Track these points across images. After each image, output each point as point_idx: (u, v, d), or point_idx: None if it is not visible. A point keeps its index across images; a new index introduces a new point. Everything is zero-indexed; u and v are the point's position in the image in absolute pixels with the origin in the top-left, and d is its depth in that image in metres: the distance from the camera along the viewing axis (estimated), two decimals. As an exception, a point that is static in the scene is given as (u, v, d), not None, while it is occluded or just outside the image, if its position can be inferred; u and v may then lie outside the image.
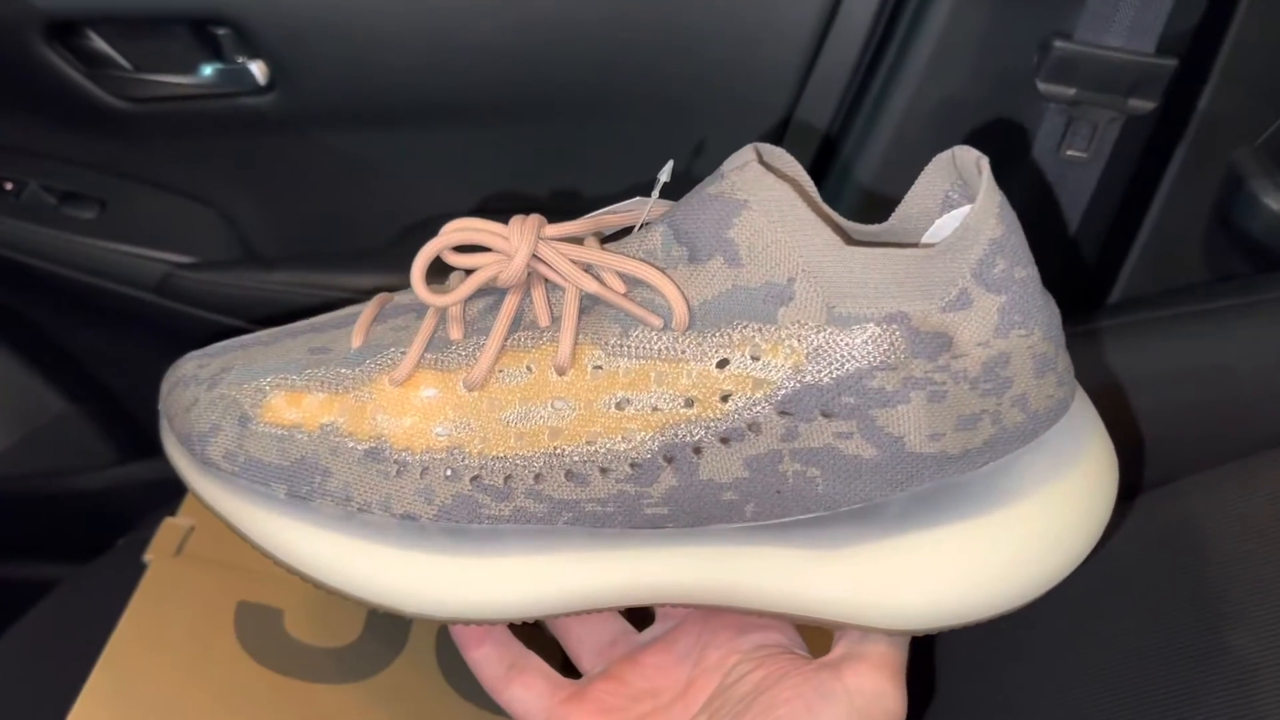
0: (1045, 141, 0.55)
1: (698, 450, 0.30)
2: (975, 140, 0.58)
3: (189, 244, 0.66)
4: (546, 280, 0.32)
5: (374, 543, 0.33)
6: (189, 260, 0.66)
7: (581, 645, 0.38)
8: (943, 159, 0.32)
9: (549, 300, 0.32)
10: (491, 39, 0.58)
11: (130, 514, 0.60)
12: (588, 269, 0.31)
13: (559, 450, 0.31)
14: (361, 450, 0.32)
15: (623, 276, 0.31)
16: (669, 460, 0.30)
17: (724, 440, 0.30)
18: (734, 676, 0.33)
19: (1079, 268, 0.62)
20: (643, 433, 0.30)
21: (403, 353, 0.33)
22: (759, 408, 0.29)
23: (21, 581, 0.79)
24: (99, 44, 0.61)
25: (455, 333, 0.32)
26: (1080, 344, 0.55)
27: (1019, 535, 0.31)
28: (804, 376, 0.29)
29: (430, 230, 0.35)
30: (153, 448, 0.80)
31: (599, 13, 0.57)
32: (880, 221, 0.34)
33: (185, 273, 0.66)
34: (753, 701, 0.31)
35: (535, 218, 0.32)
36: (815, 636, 0.35)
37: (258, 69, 0.60)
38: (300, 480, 0.33)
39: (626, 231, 0.33)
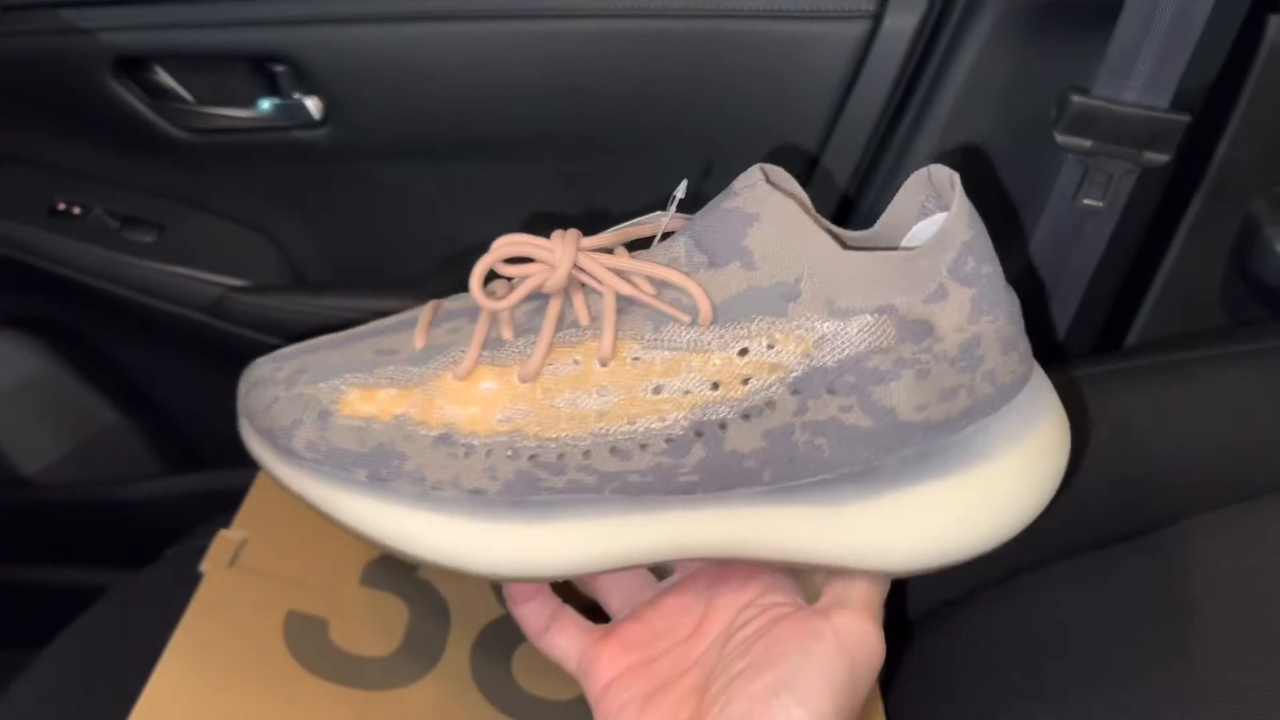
0: (1063, 189, 0.56)
1: (723, 426, 0.34)
2: (996, 187, 0.60)
3: (242, 268, 0.69)
4: (584, 285, 0.36)
5: (446, 515, 0.37)
6: (241, 283, 0.68)
7: (610, 593, 0.42)
8: (919, 176, 0.37)
9: (587, 303, 0.36)
10: (533, 79, 0.60)
11: (175, 524, 0.62)
12: (622, 275, 0.35)
13: (604, 430, 0.35)
14: (433, 436, 0.36)
15: (652, 280, 0.35)
16: (699, 435, 0.34)
17: (745, 417, 0.34)
18: (741, 620, 0.37)
19: (1096, 312, 0.63)
20: (676, 413, 0.34)
21: (463, 352, 0.37)
22: (774, 388, 0.34)
23: (70, 586, 0.82)
24: (164, 78, 0.64)
25: (507, 333, 0.36)
26: (1097, 384, 0.57)
27: (993, 487, 0.36)
28: (812, 361, 0.33)
29: (471, 258, 0.38)
30: (198, 461, 0.83)
31: (635, 56, 0.59)
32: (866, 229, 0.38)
33: (237, 295, 0.68)
34: (756, 641, 0.35)
35: (573, 232, 0.36)
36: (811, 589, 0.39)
37: (312, 104, 0.63)
38: (380, 464, 0.37)
39: (647, 242, 0.38)
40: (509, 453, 0.36)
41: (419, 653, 0.44)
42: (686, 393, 0.34)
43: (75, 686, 0.50)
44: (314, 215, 0.69)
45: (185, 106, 0.64)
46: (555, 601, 0.41)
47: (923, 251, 0.34)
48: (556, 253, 0.35)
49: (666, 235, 0.37)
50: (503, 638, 0.46)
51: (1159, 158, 0.54)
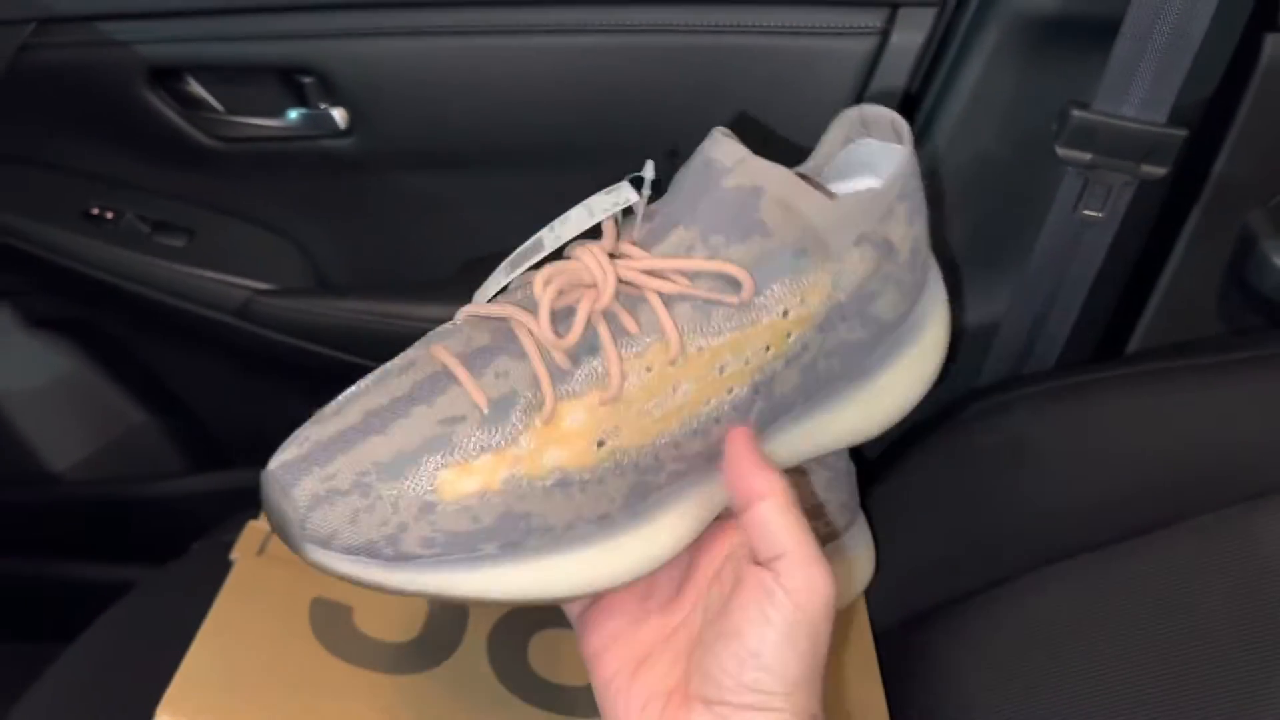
0: (1063, 200, 0.57)
1: (772, 378, 0.38)
2: (998, 196, 0.62)
3: (269, 272, 0.70)
4: (619, 294, 0.37)
5: (580, 550, 0.37)
6: (268, 287, 0.70)
7: None
8: (849, 114, 0.44)
9: (627, 309, 0.36)
10: (550, 91, 0.62)
11: (201, 520, 0.63)
12: (658, 275, 0.37)
13: (685, 420, 0.37)
14: (547, 486, 0.36)
15: (685, 273, 0.37)
16: (756, 392, 0.38)
17: (787, 363, 0.38)
18: (717, 581, 0.39)
19: (1096, 320, 0.65)
20: (740, 382, 0.38)
21: (534, 395, 0.36)
22: (808, 333, 0.38)
23: (98, 582, 0.83)
24: (196, 88, 0.65)
25: (565, 362, 0.36)
26: (1098, 390, 0.58)
27: (930, 350, 0.44)
28: (832, 301, 0.39)
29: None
30: (224, 460, 0.85)
31: (650, 69, 0.61)
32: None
33: (264, 298, 0.69)
34: (724, 607, 0.37)
35: (596, 247, 0.37)
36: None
37: (338, 115, 0.65)
38: (508, 531, 0.36)
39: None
40: (617, 471, 0.36)
41: (438, 639, 0.46)
42: (747, 362, 0.37)
43: (104, 676, 0.51)
44: (338, 221, 0.70)
45: (216, 116, 0.66)
46: None
47: (886, 186, 0.40)
48: (596, 271, 0.36)
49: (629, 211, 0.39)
50: (518, 626, 0.48)
51: (1157, 171, 0.55)
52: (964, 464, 0.59)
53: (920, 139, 0.61)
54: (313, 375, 0.73)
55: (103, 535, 0.84)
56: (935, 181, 0.61)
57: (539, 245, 0.39)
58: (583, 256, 0.37)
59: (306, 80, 0.64)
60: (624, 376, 0.36)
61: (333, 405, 0.37)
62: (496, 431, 0.35)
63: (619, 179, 0.66)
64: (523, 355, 0.36)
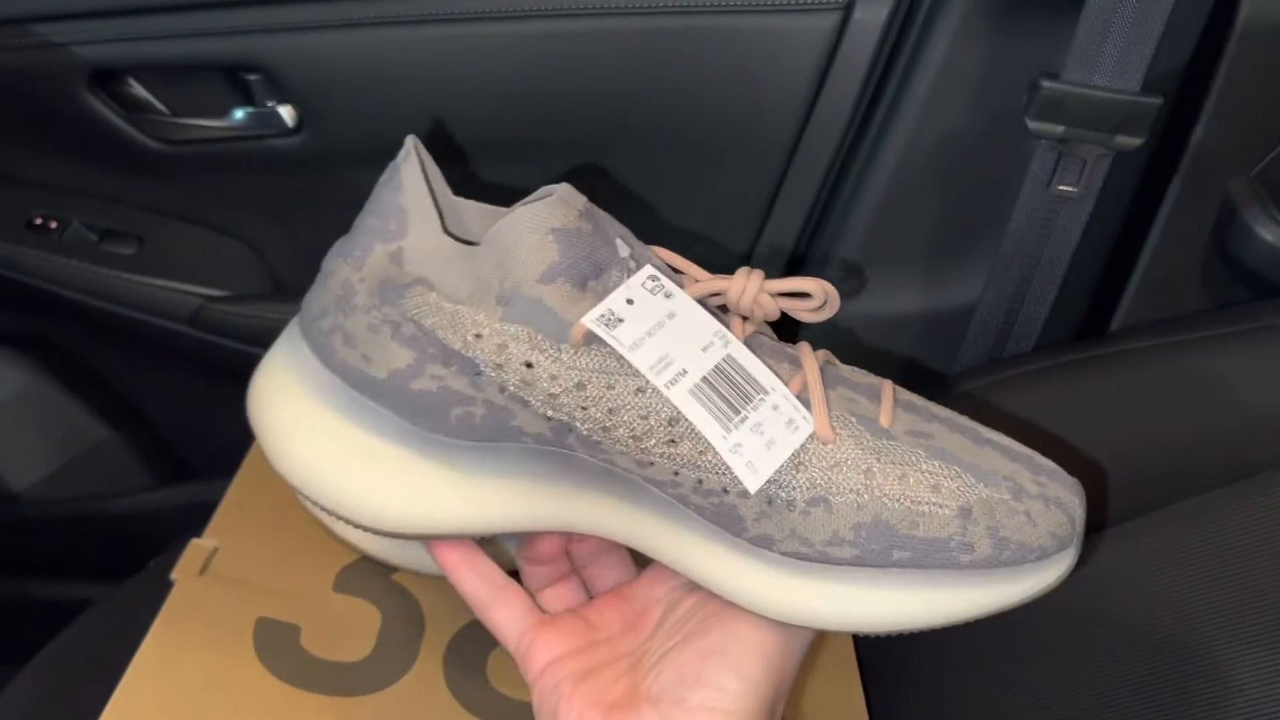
0: (1037, 176, 0.56)
1: None
2: (970, 175, 0.60)
3: (221, 278, 0.69)
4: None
5: None
6: (221, 294, 0.69)
7: (594, 584, 0.43)
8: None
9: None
10: (503, 82, 0.61)
11: (166, 536, 0.62)
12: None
13: None
14: None
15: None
16: None
17: None
18: (672, 601, 0.38)
19: (1076, 300, 0.64)
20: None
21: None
22: None
23: (63, 601, 0.83)
24: (138, 90, 0.64)
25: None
26: (1076, 370, 0.57)
27: None
28: None
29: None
30: (188, 473, 0.83)
31: (606, 55, 0.59)
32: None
33: (217, 305, 0.68)
34: (690, 618, 0.37)
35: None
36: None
37: (286, 112, 0.63)
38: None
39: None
40: None
41: (392, 658, 0.44)
42: None
43: (55, 700, 0.50)
44: (291, 222, 0.69)
45: (160, 118, 0.65)
46: (501, 576, 0.40)
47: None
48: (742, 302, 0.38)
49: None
50: (477, 641, 0.46)
51: (1132, 141, 0.54)
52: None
53: (887, 118, 0.60)
54: (271, 383, 0.72)
55: (67, 554, 0.83)
56: (903, 162, 0.60)
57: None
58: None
59: (252, 78, 0.62)
60: None
61: None
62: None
63: (575, 169, 0.65)
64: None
